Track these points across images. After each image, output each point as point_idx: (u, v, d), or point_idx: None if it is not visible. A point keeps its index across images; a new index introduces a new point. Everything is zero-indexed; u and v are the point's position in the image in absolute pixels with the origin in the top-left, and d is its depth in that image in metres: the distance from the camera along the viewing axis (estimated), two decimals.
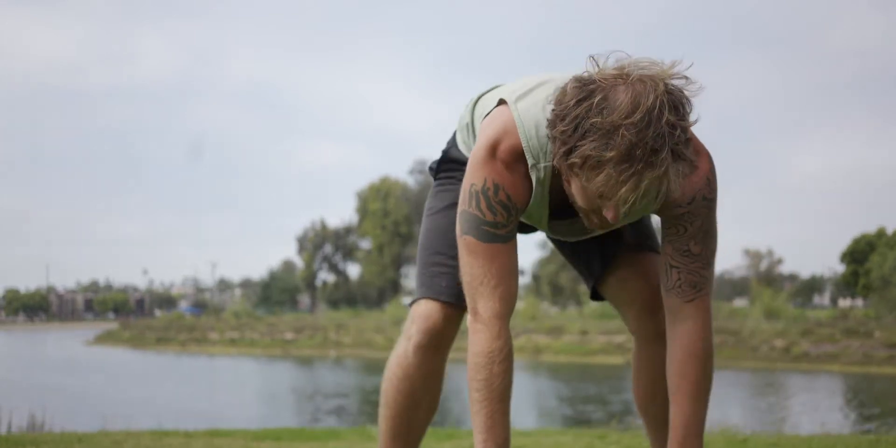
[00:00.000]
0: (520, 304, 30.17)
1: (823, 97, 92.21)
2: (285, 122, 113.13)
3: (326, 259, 64.40)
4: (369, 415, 13.00)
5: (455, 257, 1.77)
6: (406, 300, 56.87)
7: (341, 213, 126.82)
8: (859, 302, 46.17)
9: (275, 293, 72.13)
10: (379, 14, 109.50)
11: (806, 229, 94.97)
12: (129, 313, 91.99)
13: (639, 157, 1.36)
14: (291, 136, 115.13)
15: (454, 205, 1.78)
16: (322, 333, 35.07)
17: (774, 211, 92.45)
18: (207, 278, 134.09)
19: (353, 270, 64.10)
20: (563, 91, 1.46)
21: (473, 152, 1.66)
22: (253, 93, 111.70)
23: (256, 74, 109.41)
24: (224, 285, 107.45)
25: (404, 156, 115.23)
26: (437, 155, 2.00)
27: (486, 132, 1.65)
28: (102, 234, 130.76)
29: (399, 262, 59.67)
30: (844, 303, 52.17)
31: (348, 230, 63.11)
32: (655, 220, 1.83)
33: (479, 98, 1.87)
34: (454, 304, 1.86)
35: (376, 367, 24.92)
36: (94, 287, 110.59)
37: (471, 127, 1.86)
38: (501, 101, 1.68)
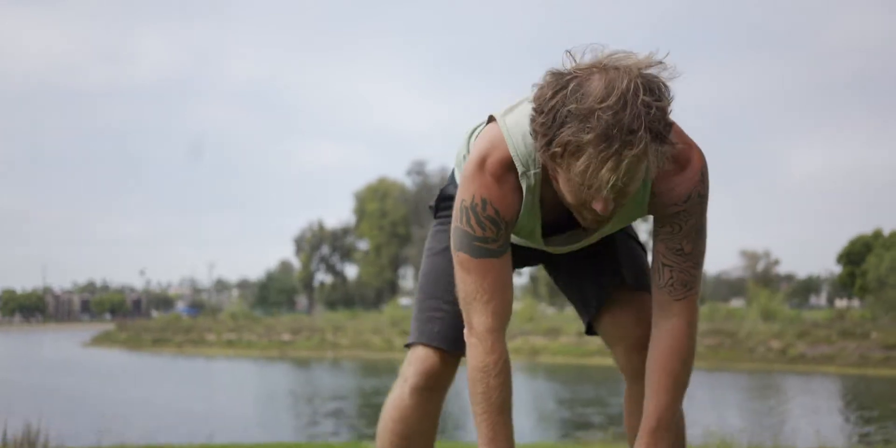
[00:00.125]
0: (517, 305, 30.19)
1: (823, 97, 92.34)
2: (284, 122, 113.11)
3: (324, 260, 64.40)
4: (367, 418, 12.99)
5: (451, 302, 1.79)
6: (403, 301, 57.10)
7: (340, 213, 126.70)
8: (856, 302, 46.24)
9: (272, 294, 72.08)
10: (379, 14, 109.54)
11: (804, 230, 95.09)
12: (126, 314, 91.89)
13: (616, 136, 1.37)
14: (290, 136, 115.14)
15: None
16: (319, 335, 35.06)
17: (772, 211, 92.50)
18: (204, 279, 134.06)
19: (351, 271, 64.18)
20: (540, 86, 1.48)
21: (464, 167, 1.67)
22: (252, 93, 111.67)
23: (256, 74, 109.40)
24: (221, 286, 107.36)
25: (403, 156, 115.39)
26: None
27: (476, 148, 1.67)
28: (99, 234, 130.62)
29: (396, 263, 59.67)
30: (841, 303, 52.22)
31: (346, 231, 63.12)
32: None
33: (474, 130, 1.88)
34: (448, 350, 1.89)
35: (374, 369, 24.93)
36: (90, 287, 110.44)
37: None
38: (491, 118, 1.70)
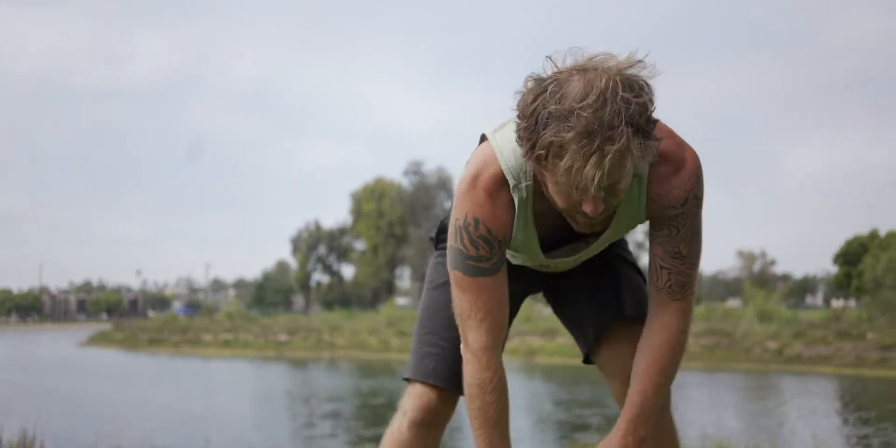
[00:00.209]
0: None
1: (823, 97, 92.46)
2: (282, 122, 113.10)
3: (320, 260, 64.38)
4: (365, 420, 12.99)
5: (449, 338, 1.81)
6: (400, 301, 57.05)
7: (336, 213, 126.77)
8: (852, 302, 46.33)
9: (269, 294, 72.05)
10: (378, 14, 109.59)
11: (802, 230, 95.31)
12: (123, 314, 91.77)
13: (597, 132, 1.37)
14: (288, 136, 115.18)
15: None
16: (316, 335, 35.03)
17: (771, 211, 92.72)
18: (201, 278, 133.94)
19: (348, 271, 64.16)
20: (522, 93, 1.48)
21: (457, 187, 1.69)
22: (250, 93, 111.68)
23: (254, 75, 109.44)
24: (218, 285, 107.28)
25: (400, 156, 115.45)
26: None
27: (468, 167, 1.68)
28: (96, 234, 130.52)
29: (393, 264, 59.67)
30: (837, 303, 52.32)
31: (342, 231, 63.10)
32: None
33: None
34: (445, 388, 1.90)
35: (370, 370, 24.92)
36: (87, 287, 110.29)
37: None
38: (483, 137, 1.70)
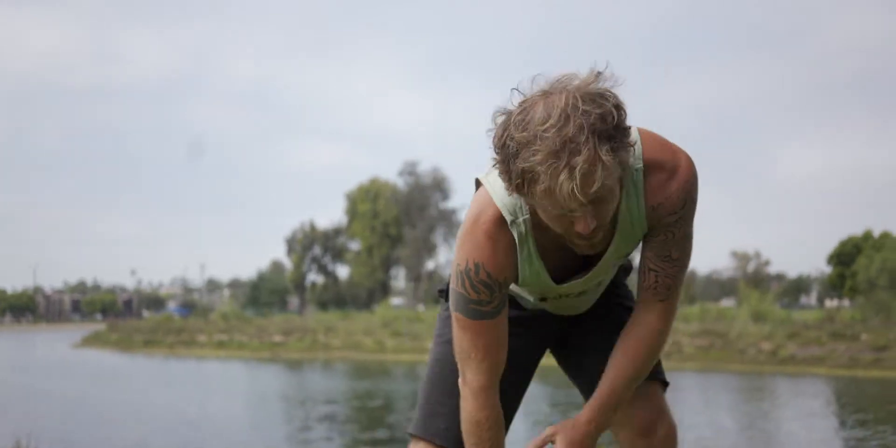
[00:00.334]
0: None
1: (823, 97, 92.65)
2: (278, 122, 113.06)
3: (315, 260, 64.33)
4: (360, 423, 12.99)
5: (459, 396, 1.81)
6: (395, 301, 56.93)
7: (331, 214, 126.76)
8: (846, 302, 46.42)
9: (264, 294, 72.01)
10: (377, 14, 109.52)
11: (799, 229, 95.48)
12: (117, 314, 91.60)
13: (563, 149, 1.38)
14: (283, 136, 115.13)
15: None
16: (311, 336, 35.01)
17: (769, 211, 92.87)
18: (196, 278, 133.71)
19: (343, 272, 64.13)
20: (493, 129, 1.50)
21: (459, 232, 1.70)
22: (247, 93, 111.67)
23: (252, 74, 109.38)
24: (213, 285, 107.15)
25: (397, 157, 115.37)
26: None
27: (467, 214, 1.69)
28: (91, 234, 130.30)
29: (388, 264, 59.66)
30: (831, 303, 52.43)
31: (337, 231, 63.06)
32: None
33: None
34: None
35: (365, 371, 24.91)
36: (81, 287, 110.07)
37: None
38: (477, 182, 1.71)
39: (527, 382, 2.06)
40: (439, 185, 55.45)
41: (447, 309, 1.96)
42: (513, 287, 1.82)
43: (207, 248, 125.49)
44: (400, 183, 57.20)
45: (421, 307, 50.79)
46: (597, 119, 1.40)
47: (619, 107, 1.43)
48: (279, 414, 14.72)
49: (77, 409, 14.94)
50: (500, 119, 1.47)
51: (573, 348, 2.02)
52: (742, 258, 56.77)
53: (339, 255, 63.50)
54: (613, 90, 1.45)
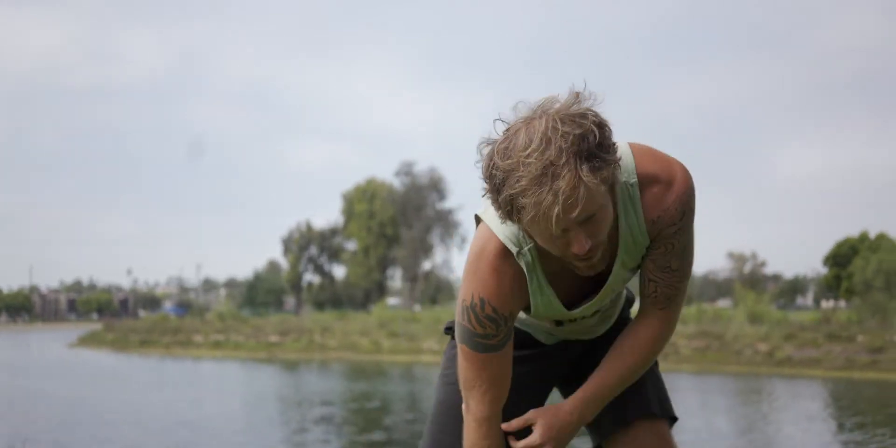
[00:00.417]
0: None
1: (823, 97, 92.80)
2: (275, 122, 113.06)
3: (312, 260, 64.30)
4: (357, 425, 12.99)
5: (462, 436, 1.81)
6: (391, 301, 56.79)
7: (328, 214, 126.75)
8: (842, 303, 46.49)
9: (260, 294, 71.99)
10: (377, 14, 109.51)
11: (796, 229, 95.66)
12: (113, 314, 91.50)
13: (545, 174, 1.40)
14: (280, 136, 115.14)
15: None
16: (307, 336, 34.98)
17: (766, 211, 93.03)
18: (192, 278, 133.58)
19: (339, 272, 64.11)
20: (481, 160, 1.50)
21: (464, 267, 1.70)
22: (243, 93, 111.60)
23: (249, 74, 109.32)
24: (209, 285, 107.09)
25: (393, 157, 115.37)
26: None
27: (470, 250, 1.70)
28: (87, 233, 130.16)
29: (385, 264, 59.63)
30: (827, 304, 52.52)
31: (334, 231, 63.04)
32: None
33: None
34: None
35: (361, 371, 24.90)
36: (77, 287, 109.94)
37: None
38: (477, 219, 1.71)
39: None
40: (436, 186, 55.45)
41: (453, 347, 1.94)
42: (526, 317, 1.82)
43: (204, 248, 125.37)
44: (396, 183, 57.22)
45: (417, 307, 50.79)
46: (577, 139, 1.40)
47: (600, 125, 1.44)
48: (276, 415, 14.71)
49: (73, 410, 14.92)
50: (486, 150, 1.49)
51: (579, 383, 2.01)
52: (738, 259, 56.87)
53: (335, 255, 63.47)
54: (595, 109, 1.46)
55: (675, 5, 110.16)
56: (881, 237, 39.27)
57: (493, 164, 1.45)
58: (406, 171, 55.98)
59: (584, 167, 1.40)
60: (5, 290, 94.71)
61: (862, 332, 25.57)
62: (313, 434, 11.71)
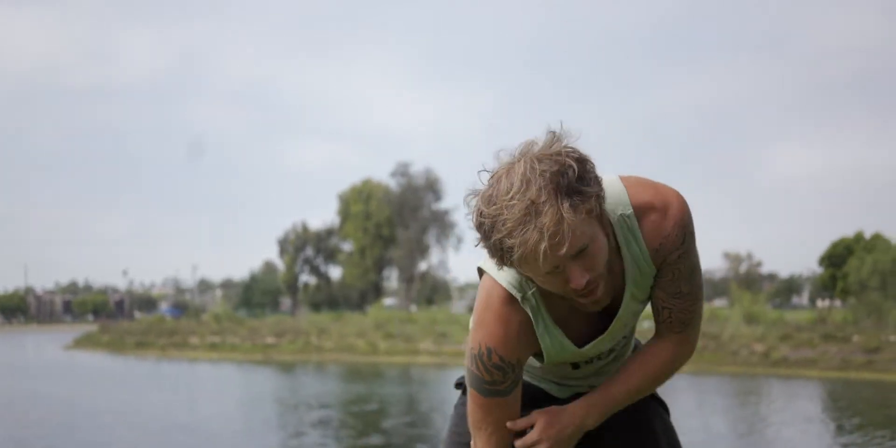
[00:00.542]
0: None
1: (823, 97, 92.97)
2: (271, 123, 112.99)
3: (308, 261, 64.26)
4: (354, 428, 12.98)
5: None
6: (388, 301, 56.63)
7: (325, 214, 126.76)
8: (838, 302, 46.59)
9: (256, 295, 71.95)
10: (378, 14, 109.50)
11: (796, 230, 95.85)
12: (109, 315, 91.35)
13: (528, 214, 1.43)
14: (276, 137, 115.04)
15: None
16: (304, 338, 34.97)
17: (767, 211, 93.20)
18: (188, 278, 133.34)
19: (335, 273, 64.07)
20: (470, 212, 1.53)
21: (472, 317, 1.73)
22: (242, 93, 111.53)
23: (246, 75, 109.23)
24: (205, 286, 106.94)
25: (389, 158, 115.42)
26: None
27: (476, 302, 1.72)
28: (82, 234, 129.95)
29: (381, 265, 59.61)
30: (823, 303, 52.63)
31: (330, 232, 62.99)
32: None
33: None
34: None
35: (358, 373, 24.89)
36: (73, 288, 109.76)
37: None
38: (480, 272, 1.73)
39: None
40: (432, 186, 55.43)
41: (463, 403, 1.95)
42: (540, 367, 1.84)
43: (200, 249, 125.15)
44: (392, 184, 57.20)
45: (413, 308, 50.80)
46: (555, 176, 1.43)
47: (579, 160, 1.46)
48: (272, 419, 14.69)
49: (68, 413, 14.88)
50: (473, 201, 1.52)
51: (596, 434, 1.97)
52: (734, 259, 56.96)
53: (331, 256, 63.44)
54: (572, 145, 1.48)
55: (675, 5, 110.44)
56: (876, 237, 39.36)
57: (480, 213, 1.48)
58: (402, 171, 55.99)
59: (566, 202, 1.43)
60: (0, 292, 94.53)
61: (858, 333, 25.64)
62: (311, 438, 11.69)
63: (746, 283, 48.45)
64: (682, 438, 2.05)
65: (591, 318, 1.70)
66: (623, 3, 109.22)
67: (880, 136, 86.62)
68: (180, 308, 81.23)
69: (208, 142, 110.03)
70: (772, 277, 72.27)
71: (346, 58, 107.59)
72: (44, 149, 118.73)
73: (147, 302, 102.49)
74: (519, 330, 1.66)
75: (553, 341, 1.70)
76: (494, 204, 1.46)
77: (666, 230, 1.63)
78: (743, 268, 56.69)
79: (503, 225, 1.44)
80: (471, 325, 1.72)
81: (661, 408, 2.00)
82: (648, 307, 1.78)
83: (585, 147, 1.50)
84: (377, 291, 59.69)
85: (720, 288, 56.25)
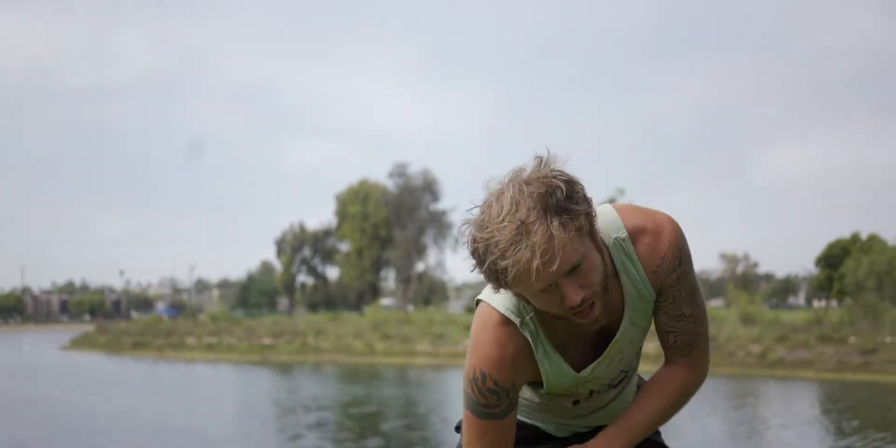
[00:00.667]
0: None
1: (823, 97, 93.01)
2: (268, 123, 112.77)
3: (305, 262, 64.20)
4: (352, 431, 12.98)
5: None
6: (385, 302, 56.55)
7: (322, 215, 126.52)
8: (834, 303, 46.64)
9: (253, 295, 71.86)
10: (377, 14, 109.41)
11: (795, 230, 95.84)
12: (106, 315, 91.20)
13: (519, 235, 1.45)
14: (282, 136, 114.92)
15: None
16: (301, 339, 34.95)
17: (767, 211, 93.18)
18: (185, 279, 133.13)
19: (332, 273, 64.02)
20: (465, 241, 1.55)
21: (469, 342, 1.74)
22: (241, 93, 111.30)
23: (245, 75, 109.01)
24: (202, 286, 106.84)
25: (387, 158, 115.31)
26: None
27: (473, 326, 1.73)
28: (79, 234, 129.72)
29: (378, 266, 59.58)
30: (819, 304, 52.68)
31: (327, 233, 62.93)
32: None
33: None
34: None
35: (355, 374, 24.89)
36: (69, 288, 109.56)
37: None
38: (478, 302, 1.74)
39: None
40: (429, 187, 55.43)
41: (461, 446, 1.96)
42: (539, 402, 1.84)
43: (197, 249, 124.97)
44: (390, 184, 57.19)
45: (410, 308, 50.78)
46: (543, 196, 1.46)
47: (568, 181, 1.49)
48: (270, 421, 14.68)
49: (66, 415, 14.87)
50: (467, 230, 1.54)
51: None
52: (731, 260, 57.02)
53: (328, 256, 63.38)
54: (560, 168, 1.51)
55: (675, 5, 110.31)
56: (872, 238, 39.40)
57: (474, 239, 1.50)
58: (399, 172, 55.97)
59: (555, 220, 1.45)
60: None
61: (854, 334, 25.69)
62: (309, 440, 11.69)
63: (743, 284, 48.52)
64: (680, 443, 2.05)
65: (591, 344, 1.71)
66: (623, 3, 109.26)
67: (880, 137, 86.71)
68: (177, 308, 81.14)
69: (208, 142, 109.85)
70: (768, 278, 72.28)
71: (346, 58, 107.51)
72: (42, 149, 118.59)
73: (144, 302, 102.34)
74: (514, 354, 1.67)
75: (552, 366, 1.71)
76: (486, 228, 1.48)
77: (661, 251, 1.64)
78: (740, 268, 56.76)
79: (496, 247, 1.46)
80: (468, 349, 1.73)
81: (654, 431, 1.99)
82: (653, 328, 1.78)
83: (574, 169, 1.53)
84: (374, 292, 59.66)
85: (716, 289, 56.29)
